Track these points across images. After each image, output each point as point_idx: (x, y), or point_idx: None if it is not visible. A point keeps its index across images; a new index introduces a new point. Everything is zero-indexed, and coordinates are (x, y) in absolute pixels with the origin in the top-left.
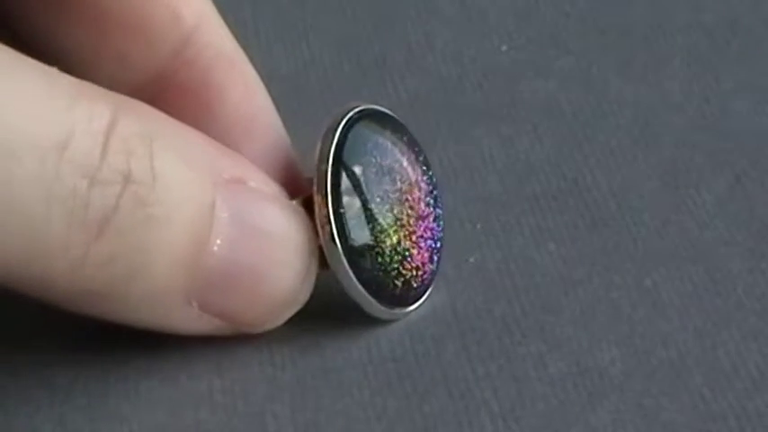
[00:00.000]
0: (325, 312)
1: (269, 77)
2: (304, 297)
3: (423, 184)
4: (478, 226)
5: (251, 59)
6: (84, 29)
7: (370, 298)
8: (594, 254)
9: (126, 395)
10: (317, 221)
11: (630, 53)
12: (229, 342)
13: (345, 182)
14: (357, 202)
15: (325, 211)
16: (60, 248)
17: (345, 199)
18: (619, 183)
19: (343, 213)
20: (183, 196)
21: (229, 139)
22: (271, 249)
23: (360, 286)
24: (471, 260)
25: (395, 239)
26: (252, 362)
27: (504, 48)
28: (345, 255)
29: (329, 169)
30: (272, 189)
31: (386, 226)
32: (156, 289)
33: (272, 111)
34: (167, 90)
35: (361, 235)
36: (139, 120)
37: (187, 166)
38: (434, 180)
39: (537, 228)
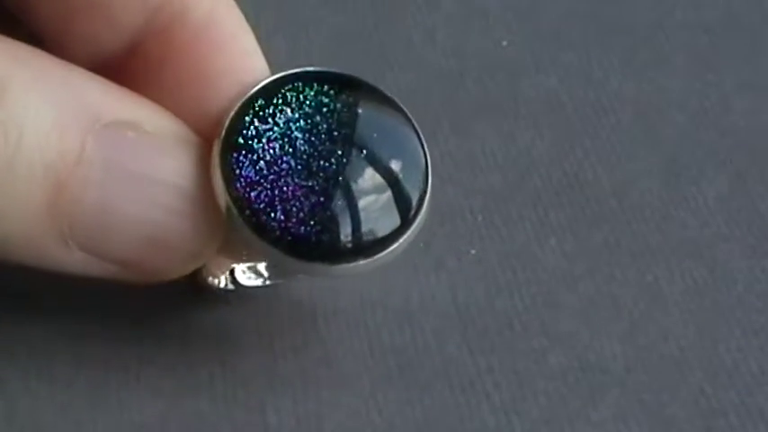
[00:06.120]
0: (324, 302)
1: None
2: (209, 249)
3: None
4: (479, 218)
5: None
6: (49, 10)
7: (271, 248)
8: (595, 249)
9: (126, 384)
10: (211, 165)
11: (632, 50)
12: (230, 330)
13: (249, 130)
14: (264, 153)
15: (217, 160)
16: None
17: (245, 148)
18: (620, 179)
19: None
20: (36, 144)
21: (196, 97)
22: (157, 197)
23: (253, 233)
24: (473, 252)
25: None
26: (252, 351)
27: (504, 43)
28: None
29: (230, 115)
30: (179, 135)
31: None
32: (17, 233)
33: (250, 66)
34: (136, 59)
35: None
36: (1, 65)
37: (46, 113)
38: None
39: (538, 222)
